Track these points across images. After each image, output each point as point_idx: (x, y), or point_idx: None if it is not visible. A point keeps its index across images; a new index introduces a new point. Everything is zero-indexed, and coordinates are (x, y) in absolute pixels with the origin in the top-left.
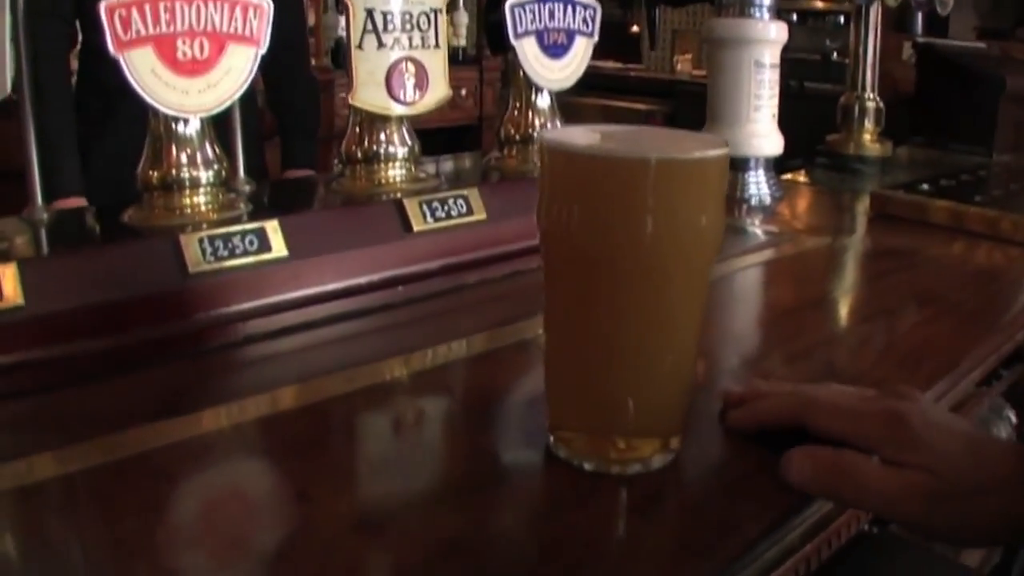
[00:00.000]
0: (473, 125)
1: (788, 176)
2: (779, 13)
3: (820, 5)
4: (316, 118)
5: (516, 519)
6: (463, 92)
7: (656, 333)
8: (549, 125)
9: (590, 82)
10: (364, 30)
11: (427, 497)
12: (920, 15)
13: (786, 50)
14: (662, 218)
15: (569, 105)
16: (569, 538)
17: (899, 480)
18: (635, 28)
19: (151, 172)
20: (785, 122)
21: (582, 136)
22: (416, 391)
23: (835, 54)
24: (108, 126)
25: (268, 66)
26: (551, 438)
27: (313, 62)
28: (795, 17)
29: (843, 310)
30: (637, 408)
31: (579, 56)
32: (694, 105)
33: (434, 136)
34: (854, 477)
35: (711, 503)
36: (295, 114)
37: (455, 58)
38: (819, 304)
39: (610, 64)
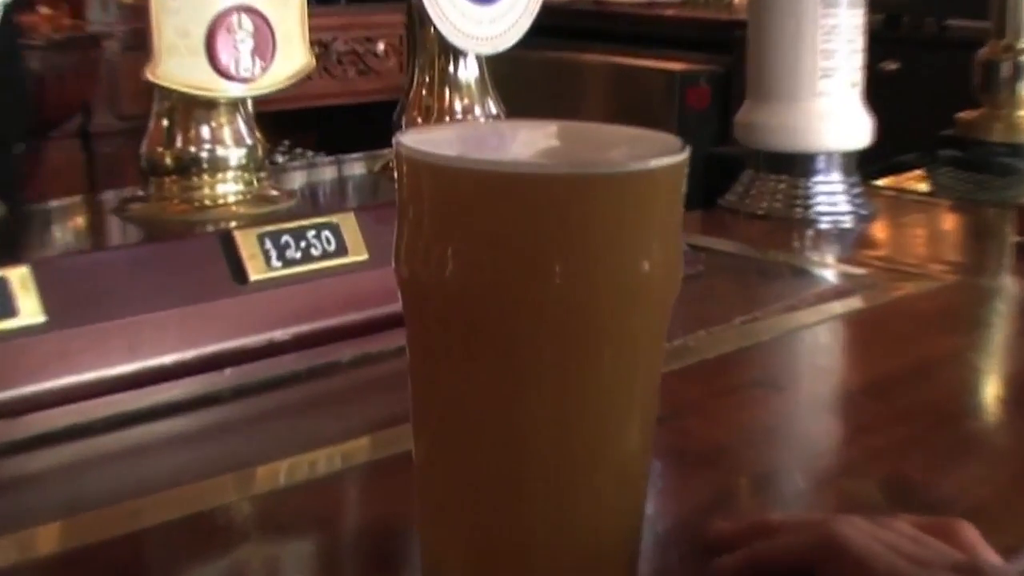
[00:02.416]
0: (396, 101)
1: (889, 181)
2: None
3: None
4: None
5: None
6: (380, 47)
7: (576, 438)
8: (477, 110)
9: (596, 29)
10: None
11: None
12: None
13: None
14: (580, 265)
15: (563, 65)
16: None
17: None
18: None
19: None
20: (907, 91)
21: (461, 139)
22: (246, 529)
23: None
24: None
25: None
26: None
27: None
28: None
29: (946, 394)
30: (551, 552)
31: (523, 1)
32: None
33: (339, 118)
34: None
35: None
36: None
37: None
38: (910, 384)
39: None
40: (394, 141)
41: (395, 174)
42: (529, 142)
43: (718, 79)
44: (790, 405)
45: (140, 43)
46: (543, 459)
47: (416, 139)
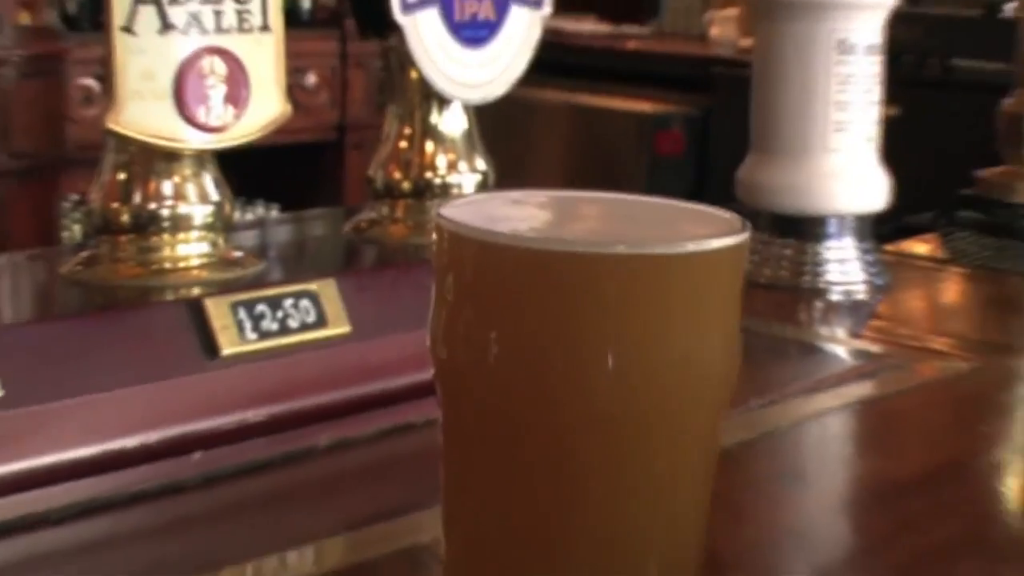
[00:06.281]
0: (328, 142)
1: (903, 247)
2: None
3: None
4: None
5: None
6: (310, 79)
7: (628, 540)
8: (463, 166)
9: (554, 62)
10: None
11: None
12: None
13: (915, 2)
14: (636, 352)
15: (514, 103)
16: None
17: None
18: None
19: None
20: (911, 140)
21: (508, 211)
22: None
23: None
24: None
25: None
26: None
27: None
28: None
29: (985, 495)
30: None
31: (516, 43)
32: (746, 107)
33: (261, 161)
34: None
35: None
36: None
37: (296, 18)
38: (940, 485)
39: (592, 27)
40: (435, 213)
41: (433, 247)
42: (579, 217)
43: (693, 123)
44: (820, 503)
45: (39, 70)
46: (592, 565)
47: (461, 211)
